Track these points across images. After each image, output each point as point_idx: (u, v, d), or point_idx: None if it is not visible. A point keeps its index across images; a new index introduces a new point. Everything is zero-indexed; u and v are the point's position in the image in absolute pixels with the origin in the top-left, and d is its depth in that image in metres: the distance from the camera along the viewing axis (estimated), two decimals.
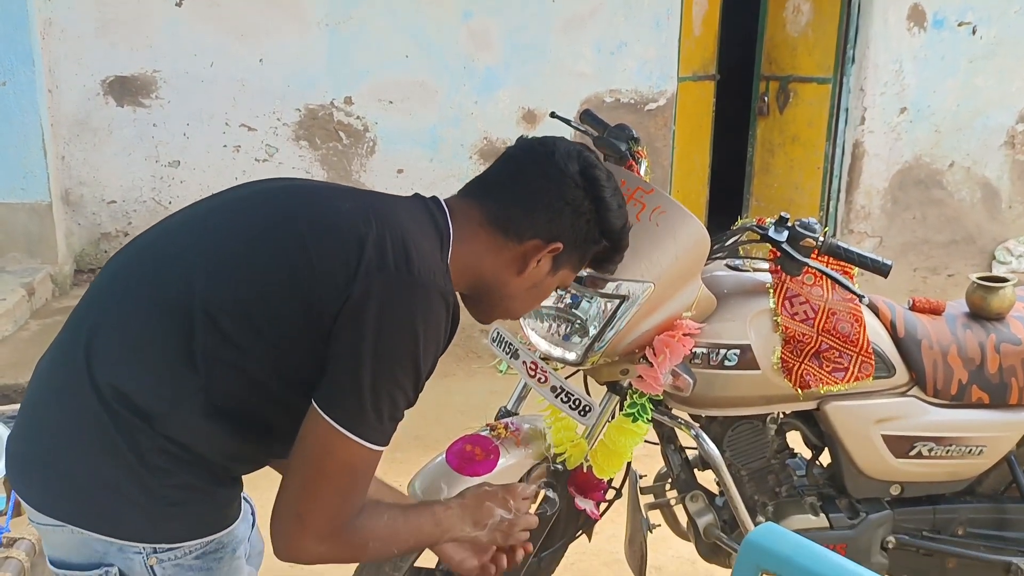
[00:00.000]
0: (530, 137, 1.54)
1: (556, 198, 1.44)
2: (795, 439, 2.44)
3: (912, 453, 2.26)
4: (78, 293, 5.25)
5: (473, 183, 1.52)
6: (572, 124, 2.57)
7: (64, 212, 5.26)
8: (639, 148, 2.35)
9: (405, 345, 1.30)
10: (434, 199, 1.48)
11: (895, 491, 2.33)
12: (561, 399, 2.09)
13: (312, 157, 5.48)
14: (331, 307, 1.29)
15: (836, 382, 2.15)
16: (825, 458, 2.42)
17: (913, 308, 2.35)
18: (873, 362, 2.17)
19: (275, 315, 1.31)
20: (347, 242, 1.31)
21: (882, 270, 2.06)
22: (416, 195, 1.51)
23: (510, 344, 2.21)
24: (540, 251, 1.46)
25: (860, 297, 2.06)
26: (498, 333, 2.25)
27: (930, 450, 2.26)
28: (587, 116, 2.48)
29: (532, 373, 2.15)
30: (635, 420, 2.10)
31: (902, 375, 2.25)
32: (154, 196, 5.39)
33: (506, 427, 2.23)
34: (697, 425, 2.18)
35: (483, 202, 1.46)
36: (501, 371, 4.99)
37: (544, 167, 1.46)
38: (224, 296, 1.32)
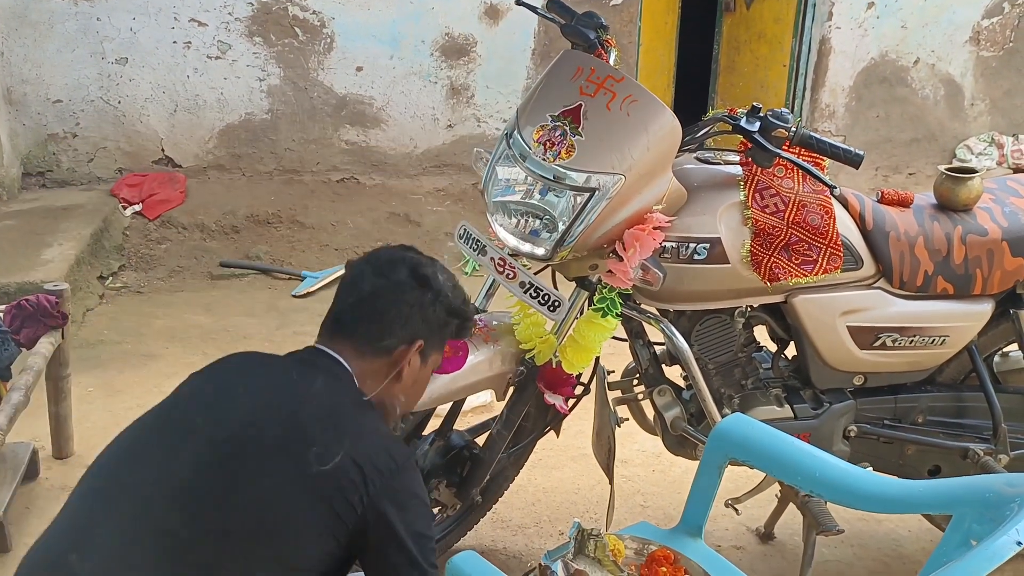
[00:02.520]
0: (355, 261, 1.73)
1: (401, 306, 1.64)
2: (761, 333, 2.46)
3: (876, 344, 2.29)
4: (27, 197, 5.09)
5: (333, 324, 1.69)
6: (539, 12, 2.48)
7: (7, 112, 5.05)
8: (608, 37, 2.28)
9: (423, 512, 1.57)
10: (326, 355, 1.63)
11: (858, 381, 2.37)
12: (530, 295, 2.07)
13: (267, 55, 5.28)
14: (345, 530, 1.47)
15: (804, 274, 2.15)
16: (791, 351, 2.44)
17: (882, 200, 2.34)
18: (841, 254, 2.17)
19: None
20: (336, 492, 1.46)
21: (854, 161, 2.03)
22: (316, 356, 1.64)
23: (477, 241, 2.17)
24: (407, 354, 1.65)
25: (832, 188, 2.04)
26: (464, 230, 2.21)
27: (894, 341, 2.29)
28: (554, 4, 2.38)
29: (500, 269, 2.12)
30: (604, 315, 2.09)
31: (869, 267, 2.26)
32: (102, 95, 5.18)
33: (475, 324, 2.21)
34: (666, 319, 2.17)
35: (350, 338, 1.64)
36: (467, 273, 4.96)
37: (380, 285, 1.65)
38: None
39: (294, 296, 4.66)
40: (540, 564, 1.70)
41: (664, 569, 1.77)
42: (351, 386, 1.61)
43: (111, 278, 4.72)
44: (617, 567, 1.73)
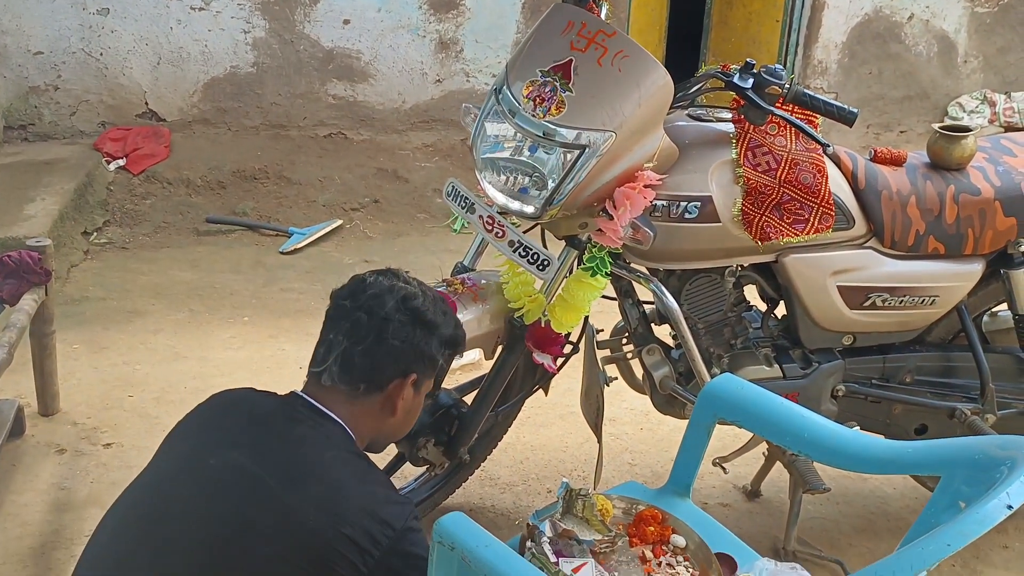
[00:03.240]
0: (340, 291, 1.66)
1: (390, 340, 1.59)
2: (751, 292, 2.45)
3: (866, 304, 2.28)
4: (9, 151, 5.00)
5: (321, 371, 1.61)
6: None
7: None
8: None
9: (421, 568, 1.49)
10: (315, 410, 1.58)
11: (847, 341, 2.36)
12: (519, 253, 2.05)
13: (252, 6, 5.17)
14: None
15: (796, 234, 2.13)
16: (780, 311, 2.43)
17: (874, 159, 2.32)
18: (834, 214, 2.15)
19: None
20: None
21: (848, 119, 2.01)
22: (304, 412, 1.59)
23: (466, 198, 2.14)
24: (401, 388, 1.62)
25: (825, 147, 2.01)
26: (453, 187, 2.18)
27: (884, 301, 2.28)
28: None
29: (489, 228, 2.09)
30: (594, 274, 2.07)
31: (860, 227, 2.24)
32: (84, 47, 5.07)
33: (463, 283, 2.19)
34: (656, 279, 2.15)
35: (338, 381, 1.59)
36: (455, 230, 4.93)
37: (366, 322, 1.59)
38: None
39: (281, 253, 4.62)
40: (528, 524, 1.70)
41: (652, 528, 1.77)
42: (342, 443, 1.57)
43: (95, 234, 4.67)
44: (605, 526, 1.73)
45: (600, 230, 2.02)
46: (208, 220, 4.84)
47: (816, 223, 2.14)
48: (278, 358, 3.55)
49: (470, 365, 3.34)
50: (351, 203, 5.06)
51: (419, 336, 1.62)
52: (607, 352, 2.60)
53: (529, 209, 2.01)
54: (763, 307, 2.46)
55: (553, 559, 1.61)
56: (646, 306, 2.41)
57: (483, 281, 2.23)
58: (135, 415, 3.12)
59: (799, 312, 2.29)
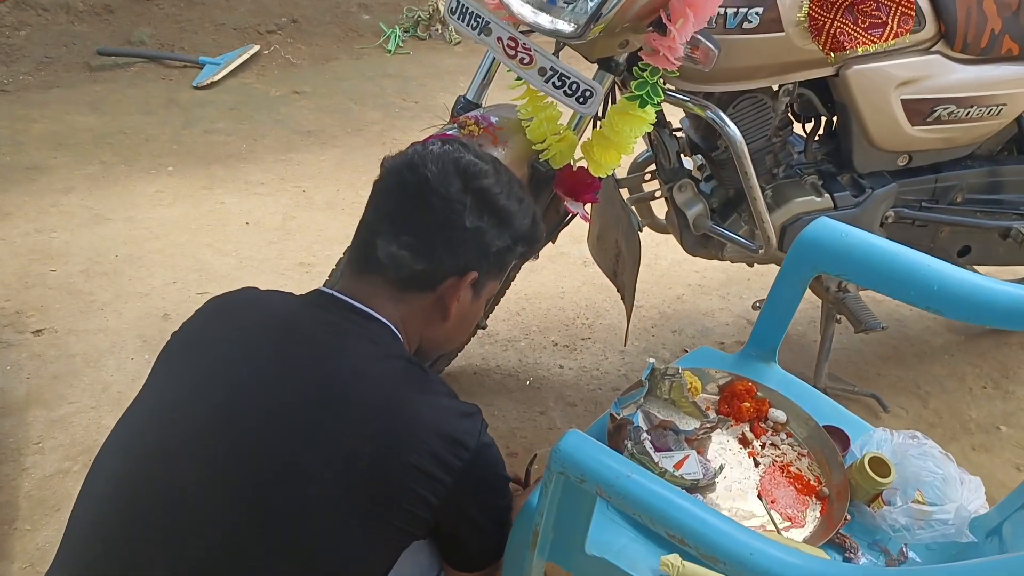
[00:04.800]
0: (394, 161, 1.29)
1: (452, 229, 1.24)
2: None
3: (930, 119, 2.00)
4: None
5: (362, 256, 1.28)
6: None
7: None
8: None
9: (499, 488, 1.28)
10: (351, 307, 1.24)
11: (902, 162, 2.10)
12: (553, 83, 1.66)
13: None
14: (414, 537, 1.19)
15: (874, 40, 1.80)
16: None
17: None
18: (914, 13, 1.82)
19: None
20: (400, 510, 1.14)
21: None
22: (345, 314, 1.24)
23: (478, 16, 1.71)
24: (457, 288, 1.28)
25: None
26: (458, 2, 1.74)
27: (950, 113, 2.00)
28: None
29: (512, 52, 1.69)
30: (643, 104, 1.71)
31: (930, 28, 1.92)
32: None
33: (476, 122, 1.80)
34: (713, 105, 1.80)
35: (383, 273, 1.26)
36: (389, 50, 4.40)
37: (425, 201, 1.24)
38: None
39: (195, 87, 4.03)
40: (612, 415, 1.43)
41: (747, 404, 1.53)
42: (392, 348, 1.23)
43: None
44: (698, 409, 1.48)
45: (652, 49, 1.64)
46: (100, 52, 4.17)
47: (895, 27, 1.81)
48: (219, 213, 3.10)
49: None
50: (266, 24, 4.44)
51: (487, 226, 1.25)
52: (625, 192, 2.28)
53: (567, 27, 1.61)
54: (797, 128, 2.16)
55: (655, 457, 1.36)
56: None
57: (496, 119, 1.84)
58: (63, 292, 2.68)
59: (855, 132, 2.00)
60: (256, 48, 4.27)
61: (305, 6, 4.54)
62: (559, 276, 2.88)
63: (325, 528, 1.09)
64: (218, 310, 1.30)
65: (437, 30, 4.58)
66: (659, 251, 2.95)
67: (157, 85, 4.06)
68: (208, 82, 4.02)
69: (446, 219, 1.23)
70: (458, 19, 1.75)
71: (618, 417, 1.42)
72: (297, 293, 1.31)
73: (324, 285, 1.40)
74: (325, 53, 4.38)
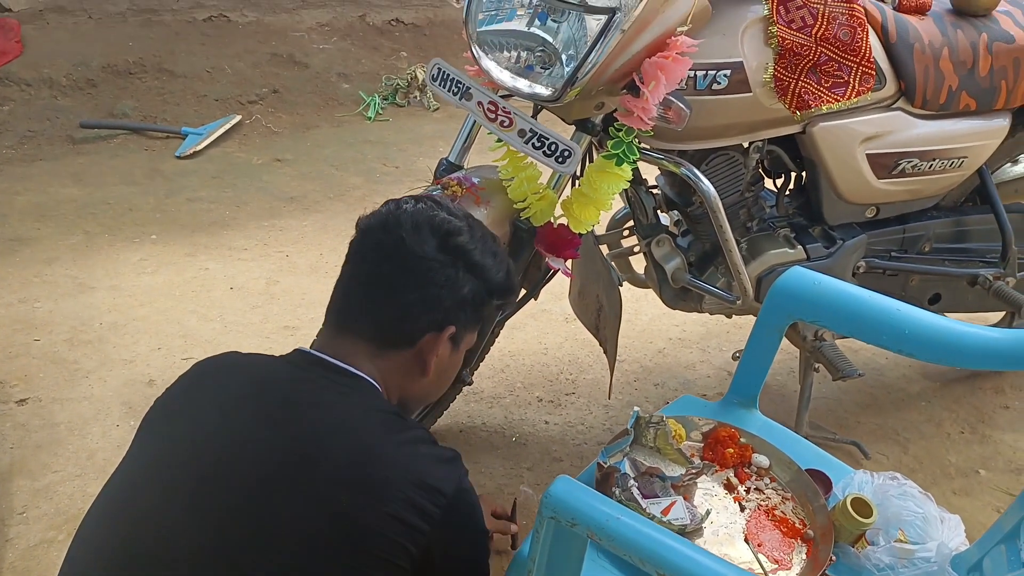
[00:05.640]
0: (369, 220, 1.32)
1: (429, 287, 1.28)
2: None
3: (895, 172, 2.08)
4: None
5: (340, 312, 1.32)
6: None
7: None
8: None
9: (477, 530, 1.28)
10: (330, 366, 1.27)
11: (870, 214, 2.18)
12: (533, 144, 1.72)
13: None
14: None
15: (837, 99, 1.89)
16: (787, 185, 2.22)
17: (899, 8, 2.07)
18: (874, 73, 1.91)
19: None
20: (380, 560, 1.15)
21: None
22: (325, 373, 1.27)
23: (459, 82, 1.78)
24: (436, 343, 1.31)
25: None
26: (439, 70, 1.81)
27: (913, 167, 2.09)
28: None
29: (492, 116, 1.75)
30: (619, 162, 1.77)
31: (891, 86, 2.02)
32: None
33: (459, 183, 1.86)
34: (687, 162, 1.87)
35: (361, 331, 1.29)
36: (369, 118, 4.50)
37: (401, 260, 1.28)
38: None
39: (178, 157, 4.09)
40: (600, 464, 1.46)
41: (731, 450, 1.56)
42: (370, 399, 1.26)
43: None
44: (683, 456, 1.51)
45: (626, 110, 1.71)
46: (83, 125, 4.23)
47: (857, 86, 1.90)
48: (203, 279, 3.13)
49: None
50: (247, 95, 4.53)
51: (463, 281, 1.30)
52: (605, 248, 2.34)
53: (545, 91, 1.68)
54: (768, 183, 2.23)
55: (643, 504, 1.38)
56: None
57: (477, 180, 1.90)
58: (47, 362, 2.68)
59: (824, 186, 2.08)
60: (238, 118, 4.35)
61: (286, 77, 4.64)
62: (542, 333, 2.92)
63: None
64: (199, 375, 1.32)
65: (416, 97, 4.69)
66: (639, 306, 3.00)
67: (140, 156, 4.11)
68: (191, 152, 4.08)
69: (423, 277, 1.27)
70: (440, 86, 1.82)
71: (605, 466, 1.45)
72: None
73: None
74: (306, 121, 4.46)
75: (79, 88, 4.41)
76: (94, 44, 4.55)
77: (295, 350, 1.32)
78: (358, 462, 1.16)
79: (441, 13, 5.07)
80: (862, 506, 1.42)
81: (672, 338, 2.91)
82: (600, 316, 2.21)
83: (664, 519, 1.39)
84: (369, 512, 1.13)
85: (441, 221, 1.29)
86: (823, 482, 1.53)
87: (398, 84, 4.70)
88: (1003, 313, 2.60)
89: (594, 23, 1.61)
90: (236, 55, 4.67)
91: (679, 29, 1.68)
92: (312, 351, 1.29)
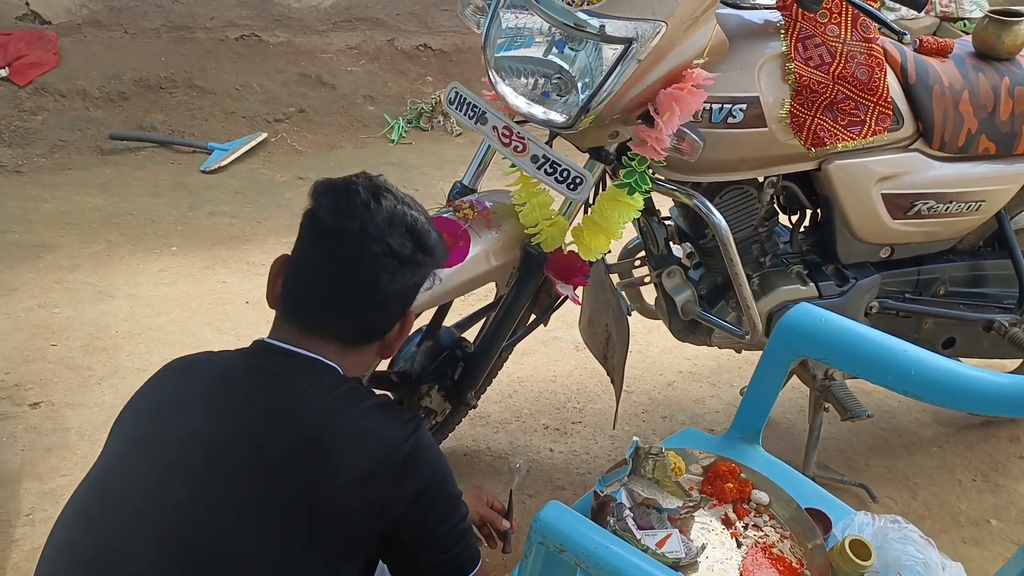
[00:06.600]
0: (319, 199, 1.27)
1: (394, 284, 1.26)
2: None
3: (911, 213, 2.07)
4: None
5: (305, 314, 1.27)
6: None
7: None
8: None
9: (445, 492, 1.25)
10: (291, 354, 1.25)
11: (884, 254, 2.17)
12: (545, 171, 1.73)
13: None
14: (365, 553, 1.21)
15: (852, 137, 1.89)
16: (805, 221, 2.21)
17: (920, 50, 2.07)
18: (891, 113, 1.91)
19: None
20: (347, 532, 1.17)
21: (917, 2, 1.74)
22: (281, 356, 1.26)
23: (475, 106, 1.80)
24: (402, 330, 1.34)
25: (901, 35, 1.74)
26: (456, 93, 1.83)
27: (929, 208, 2.07)
28: None
29: (506, 141, 1.77)
30: (631, 192, 1.78)
31: (908, 127, 2.01)
32: None
33: (471, 206, 1.87)
34: (699, 194, 1.88)
35: (330, 333, 1.27)
36: (393, 140, 4.54)
37: (364, 260, 1.24)
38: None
39: (203, 172, 4.14)
40: (597, 492, 1.45)
41: (730, 485, 1.55)
42: (329, 383, 1.24)
43: None
44: (681, 488, 1.50)
45: (640, 140, 1.72)
46: (112, 136, 4.30)
47: (873, 125, 1.89)
48: (219, 293, 3.16)
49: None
50: (274, 113, 4.58)
51: (423, 265, 1.30)
52: (616, 277, 2.34)
53: (559, 117, 1.69)
54: (783, 218, 2.23)
55: (637, 535, 1.37)
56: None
57: (490, 203, 1.91)
58: (62, 367, 2.71)
59: (838, 224, 2.07)
60: (264, 135, 4.40)
61: (313, 97, 4.70)
62: (551, 360, 2.91)
63: (271, 565, 1.11)
64: (163, 376, 1.32)
65: (439, 121, 4.73)
66: (651, 337, 2.99)
67: (166, 169, 4.17)
68: (216, 167, 4.13)
69: (389, 273, 1.24)
70: (456, 109, 1.83)
71: (602, 494, 1.44)
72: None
73: None
74: (330, 142, 4.51)
75: (111, 100, 4.48)
76: (128, 58, 4.63)
77: (256, 341, 1.30)
78: (311, 437, 1.17)
79: (468, 40, 5.12)
80: (861, 548, 1.40)
81: (683, 371, 2.89)
82: (608, 345, 2.21)
83: (659, 551, 1.37)
84: (325, 484, 1.14)
85: (392, 209, 1.26)
86: (823, 522, 1.51)
87: (422, 108, 4.75)
88: (1020, 361, 2.57)
89: (610, 52, 1.62)
90: (265, 74, 4.74)
91: (695, 61, 1.69)
92: (273, 341, 1.28)
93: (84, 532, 1.15)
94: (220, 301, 3.09)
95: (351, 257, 1.23)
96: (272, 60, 4.85)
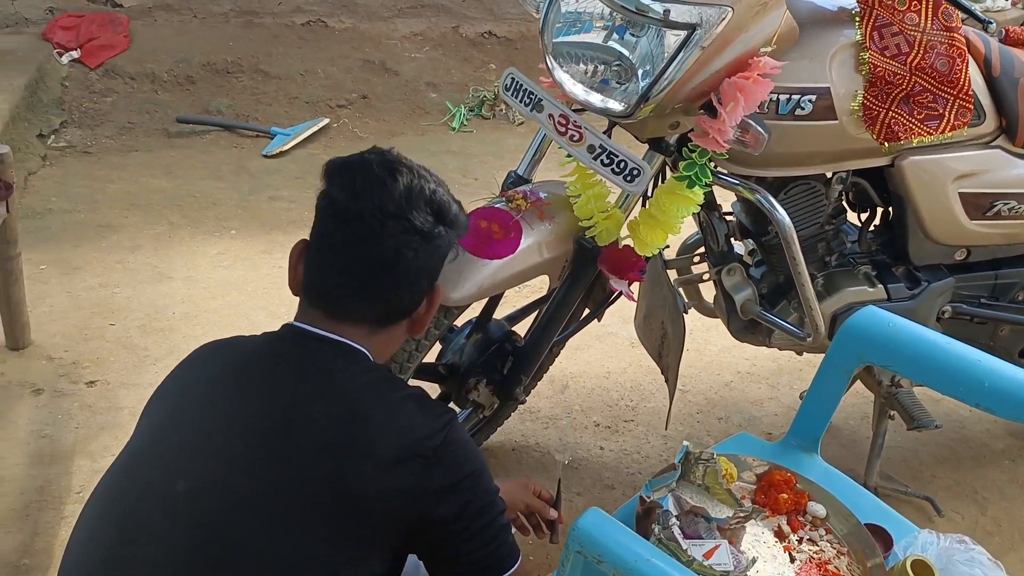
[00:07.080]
0: (333, 180, 1.22)
1: (421, 259, 1.21)
2: None
3: (990, 213, 1.96)
4: None
5: (328, 295, 1.22)
6: None
7: None
8: None
9: (479, 483, 1.20)
10: (320, 338, 1.20)
11: (960, 256, 2.05)
12: (601, 161, 1.67)
13: None
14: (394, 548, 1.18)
15: (930, 132, 1.78)
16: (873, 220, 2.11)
17: (1006, 40, 1.96)
18: (972, 107, 1.80)
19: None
20: (377, 525, 1.14)
21: None
22: (318, 346, 1.21)
23: (531, 93, 1.75)
24: (431, 305, 1.29)
25: (986, 24, 1.63)
26: (512, 79, 1.78)
27: (1011, 209, 1.96)
28: None
29: (562, 130, 1.71)
30: (691, 185, 1.71)
31: (991, 122, 1.90)
32: None
33: (524, 197, 1.82)
34: (762, 189, 1.79)
35: (360, 316, 1.22)
36: (454, 128, 4.51)
37: (389, 235, 1.18)
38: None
39: (264, 156, 4.17)
40: (643, 497, 1.39)
41: (785, 496, 1.47)
42: (359, 368, 1.20)
43: (52, 136, 4.17)
44: (733, 497, 1.43)
45: (702, 131, 1.65)
46: (179, 120, 4.35)
47: (952, 119, 1.79)
48: (275, 277, 3.16)
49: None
50: (337, 99, 4.59)
51: (446, 237, 1.23)
52: (674, 273, 2.26)
53: (617, 106, 1.63)
54: (852, 216, 2.13)
55: (684, 545, 1.31)
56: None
57: (544, 194, 1.85)
58: (119, 346, 2.74)
59: (911, 223, 1.97)
60: (326, 121, 4.41)
61: (376, 83, 4.69)
62: (606, 356, 2.85)
63: (293, 554, 1.08)
64: (190, 361, 1.30)
65: (501, 110, 4.68)
66: (709, 336, 2.91)
67: (229, 152, 4.20)
68: (277, 151, 4.15)
69: (416, 249, 1.20)
70: (512, 95, 1.78)
71: (648, 500, 1.38)
72: None
73: None
74: (391, 128, 4.50)
75: (178, 84, 4.54)
76: (196, 42, 4.68)
77: (284, 325, 1.26)
78: (342, 425, 1.13)
79: (533, 28, 5.04)
80: (924, 569, 1.31)
81: (741, 372, 2.81)
82: (664, 343, 2.14)
83: (706, 563, 1.31)
84: (357, 473, 1.10)
85: (414, 184, 1.20)
86: (883, 539, 1.42)
87: (485, 96, 4.70)
88: None
89: (673, 39, 1.55)
90: (330, 60, 4.74)
91: (763, 49, 1.61)
92: (302, 324, 1.23)
93: (105, 520, 1.14)
94: (275, 286, 3.10)
95: (371, 237, 1.18)
96: (337, 46, 4.85)
